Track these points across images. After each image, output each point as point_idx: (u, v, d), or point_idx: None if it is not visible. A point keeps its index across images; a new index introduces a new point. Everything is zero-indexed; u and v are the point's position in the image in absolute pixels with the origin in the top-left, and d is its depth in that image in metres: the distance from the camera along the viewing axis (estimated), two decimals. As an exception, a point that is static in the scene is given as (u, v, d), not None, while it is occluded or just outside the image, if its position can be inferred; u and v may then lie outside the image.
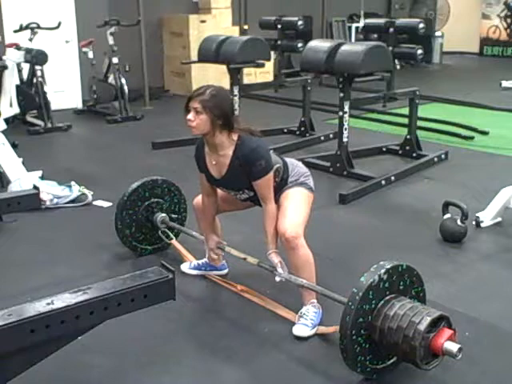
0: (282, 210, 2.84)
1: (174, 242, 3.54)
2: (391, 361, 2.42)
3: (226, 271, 3.35)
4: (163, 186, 3.57)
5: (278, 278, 2.83)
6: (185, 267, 3.36)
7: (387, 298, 2.33)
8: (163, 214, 3.53)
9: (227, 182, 2.88)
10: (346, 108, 5.08)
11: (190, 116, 2.71)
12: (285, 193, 2.89)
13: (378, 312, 2.31)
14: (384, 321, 2.28)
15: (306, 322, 2.76)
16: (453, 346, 2.21)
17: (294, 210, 2.83)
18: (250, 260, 3.03)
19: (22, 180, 4.58)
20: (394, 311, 2.28)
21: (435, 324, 2.24)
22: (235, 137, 2.76)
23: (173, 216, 3.59)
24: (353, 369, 2.36)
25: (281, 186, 2.89)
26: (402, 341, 2.23)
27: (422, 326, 2.20)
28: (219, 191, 3.05)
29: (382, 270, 2.31)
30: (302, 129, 6.62)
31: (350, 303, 2.27)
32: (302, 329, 2.74)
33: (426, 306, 2.36)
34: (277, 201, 2.87)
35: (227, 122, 2.72)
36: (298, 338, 2.72)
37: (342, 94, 5.06)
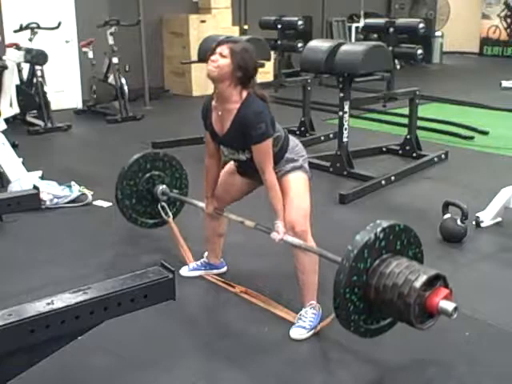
0: (288, 200, 2.77)
1: (170, 220, 3.54)
2: (386, 322, 2.37)
3: (225, 269, 3.35)
4: (164, 159, 3.57)
5: (276, 240, 2.78)
6: (184, 271, 3.34)
7: (383, 257, 2.28)
8: (164, 186, 3.53)
9: (228, 140, 2.82)
10: (346, 108, 5.08)
11: (215, 57, 2.67)
12: (286, 179, 2.81)
13: (374, 270, 2.25)
14: (379, 279, 2.24)
15: (303, 324, 2.75)
16: (448, 305, 2.17)
17: (300, 200, 2.78)
18: (247, 223, 3.01)
19: (22, 180, 4.58)
20: (390, 269, 2.23)
21: (431, 283, 2.20)
22: (245, 94, 2.72)
23: (174, 191, 3.58)
24: (346, 328, 2.31)
25: (278, 157, 2.80)
26: (397, 298, 2.18)
27: (418, 283, 2.15)
28: (224, 190, 3.06)
29: (379, 229, 2.26)
30: (302, 129, 6.62)
31: (344, 261, 2.22)
32: (298, 332, 2.74)
33: (423, 265, 2.31)
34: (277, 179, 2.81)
35: (246, 78, 2.68)
36: (296, 340, 2.71)
37: (342, 94, 5.06)
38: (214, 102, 2.83)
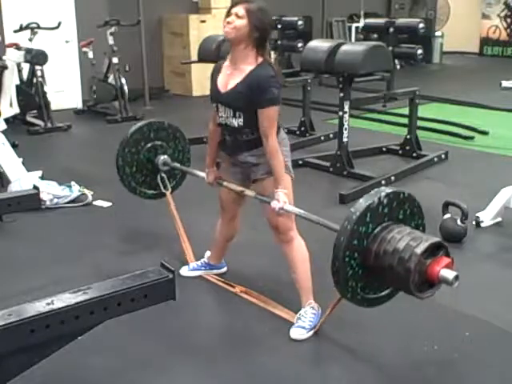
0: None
1: (168, 194, 3.52)
2: (384, 293, 2.34)
3: (225, 269, 3.35)
4: (169, 130, 3.53)
5: (276, 208, 2.73)
6: (184, 271, 3.34)
7: (385, 224, 2.24)
8: (166, 156, 3.49)
9: (231, 97, 2.76)
10: (346, 108, 5.08)
11: (231, 18, 2.64)
12: (269, 180, 2.79)
13: (375, 237, 2.22)
14: (380, 244, 2.20)
15: (303, 325, 2.75)
16: (449, 274, 2.12)
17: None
18: (247, 193, 2.96)
19: (22, 180, 4.58)
20: (391, 235, 2.20)
21: (433, 252, 2.16)
22: (260, 60, 2.70)
23: (176, 165, 3.54)
24: (343, 294, 2.28)
25: None
26: (397, 263, 2.14)
27: (419, 250, 2.11)
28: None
29: (383, 194, 2.22)
30: (302, 129, 6.62)
31: (345, 223, 2.18)
32: (298, 332, 2.74)
33: (426, 234, 2.27)
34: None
35: (262, 38, 2.66)
36: (296, 340, 2.71)
37: (342, 94, 5.06)
38: (226, 63, 2.81)
